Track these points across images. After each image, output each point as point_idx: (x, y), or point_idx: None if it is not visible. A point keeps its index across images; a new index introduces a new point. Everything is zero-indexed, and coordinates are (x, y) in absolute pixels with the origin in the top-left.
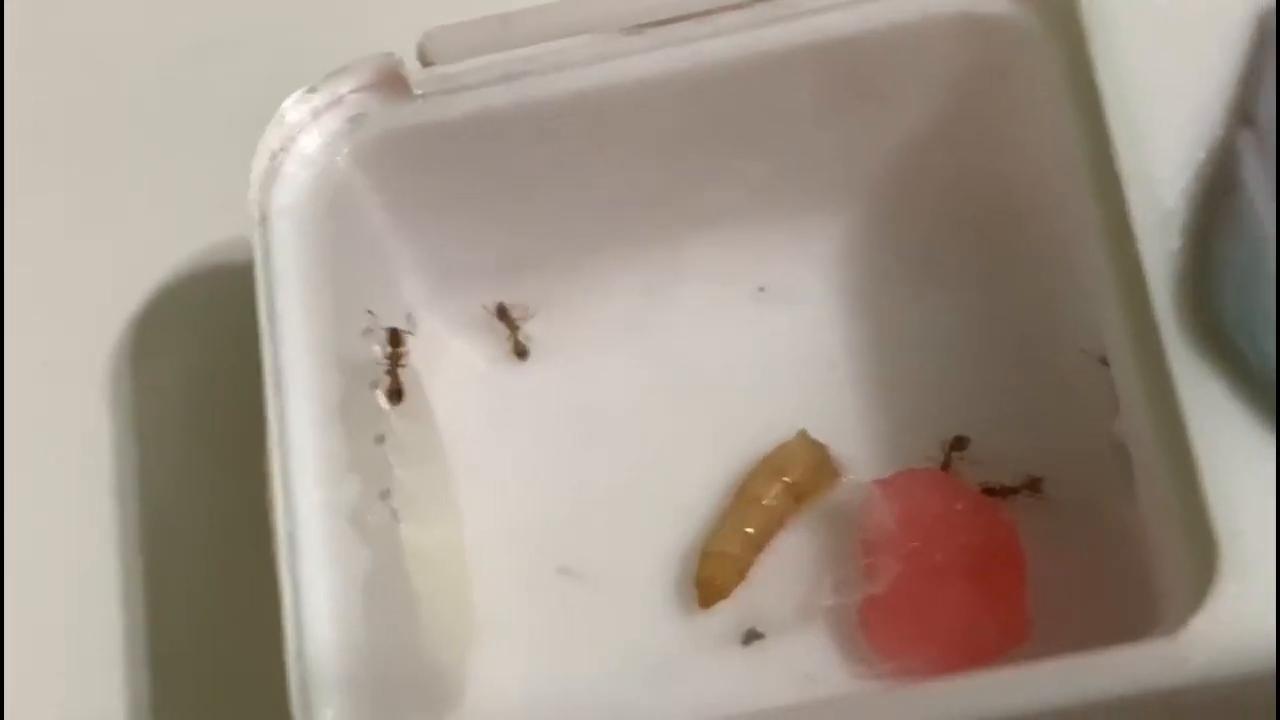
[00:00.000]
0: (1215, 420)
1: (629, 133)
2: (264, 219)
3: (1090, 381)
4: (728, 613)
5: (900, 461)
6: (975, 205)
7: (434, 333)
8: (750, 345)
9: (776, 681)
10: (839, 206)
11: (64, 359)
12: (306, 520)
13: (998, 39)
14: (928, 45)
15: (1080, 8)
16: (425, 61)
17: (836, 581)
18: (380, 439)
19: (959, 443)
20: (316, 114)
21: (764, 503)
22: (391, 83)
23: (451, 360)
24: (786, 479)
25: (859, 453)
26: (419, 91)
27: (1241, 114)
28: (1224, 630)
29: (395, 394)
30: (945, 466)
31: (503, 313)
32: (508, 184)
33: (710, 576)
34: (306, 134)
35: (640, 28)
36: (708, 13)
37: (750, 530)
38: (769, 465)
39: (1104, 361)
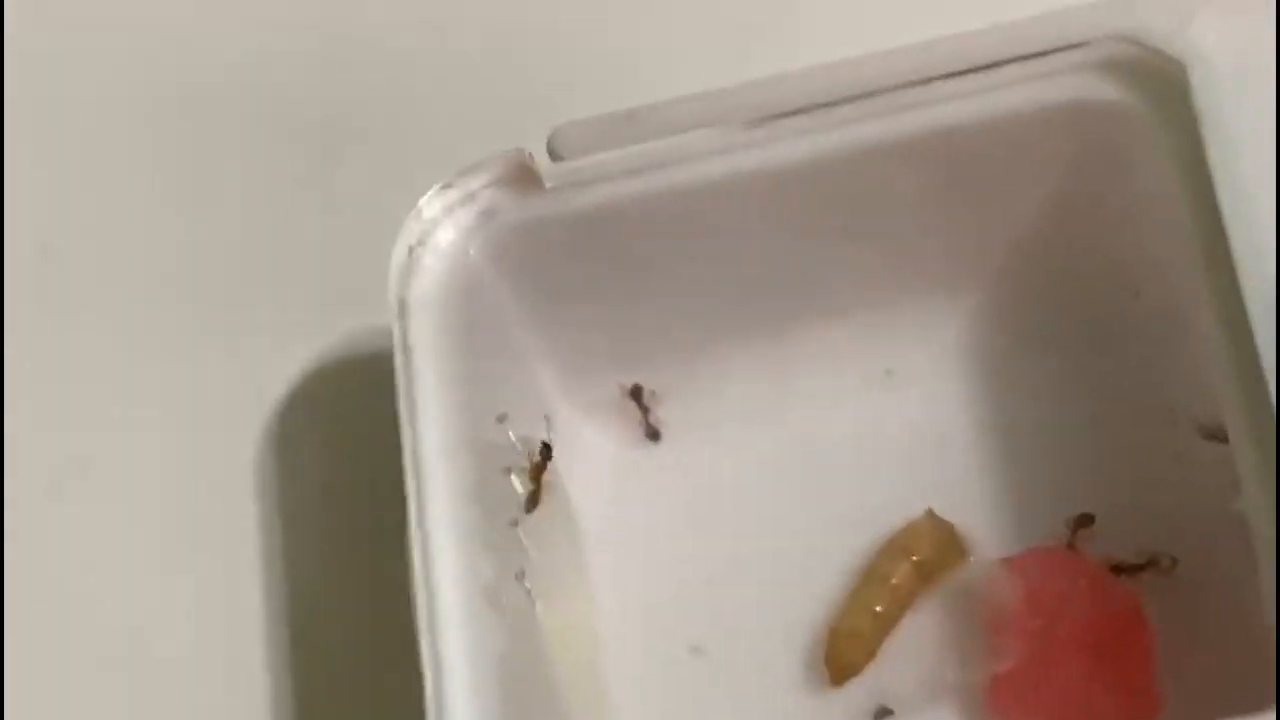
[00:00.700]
0: None
1: (752, 221)
2: (403, 310)
3: (1212, 457)
4: (858, 691)
5: (1026, 539)
6: (1090, 285)
7: (568, 418)
8: (876, 426)
9: None
10: (959, 290)
11: (211, 447)
12: (446, 601)
13: (1110, 125)
14: (1042, 133)
15: (1192, 92)
16: (555, 156)
17: (963, 659)
18: (514, 522)
19: (1084, 520)
20: (450, 209)
21: (892, 581)
22: (522, 177)
23: (584, 443)
24: (914, 558)
25: (985, 531)
26: (549, 184)
27: None
28: None
29: (533, 502)
30: (1071, 545)
31: (637, 395)
32: (635, 272)
33: (841, 654)
34: (442, 228)
35: (761, 120)
36: (827, 105)
37: (879, 609)
38: (896, 544)
39: (1221, 438)
